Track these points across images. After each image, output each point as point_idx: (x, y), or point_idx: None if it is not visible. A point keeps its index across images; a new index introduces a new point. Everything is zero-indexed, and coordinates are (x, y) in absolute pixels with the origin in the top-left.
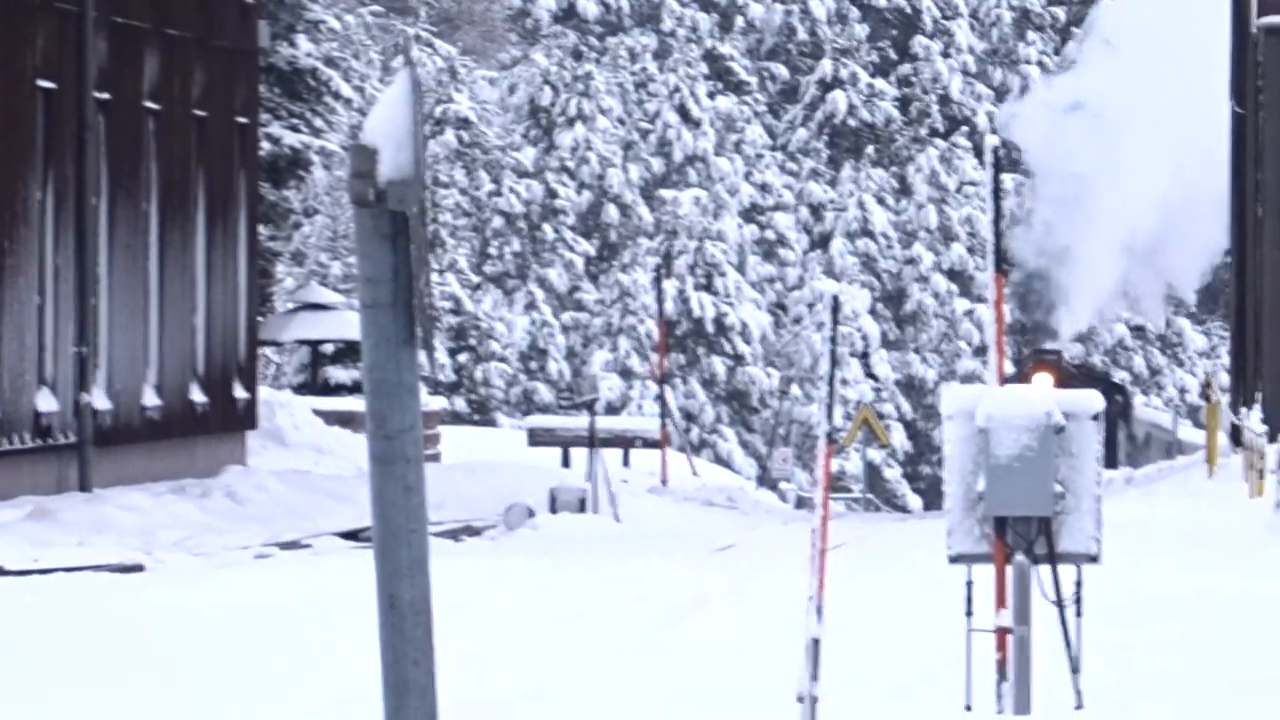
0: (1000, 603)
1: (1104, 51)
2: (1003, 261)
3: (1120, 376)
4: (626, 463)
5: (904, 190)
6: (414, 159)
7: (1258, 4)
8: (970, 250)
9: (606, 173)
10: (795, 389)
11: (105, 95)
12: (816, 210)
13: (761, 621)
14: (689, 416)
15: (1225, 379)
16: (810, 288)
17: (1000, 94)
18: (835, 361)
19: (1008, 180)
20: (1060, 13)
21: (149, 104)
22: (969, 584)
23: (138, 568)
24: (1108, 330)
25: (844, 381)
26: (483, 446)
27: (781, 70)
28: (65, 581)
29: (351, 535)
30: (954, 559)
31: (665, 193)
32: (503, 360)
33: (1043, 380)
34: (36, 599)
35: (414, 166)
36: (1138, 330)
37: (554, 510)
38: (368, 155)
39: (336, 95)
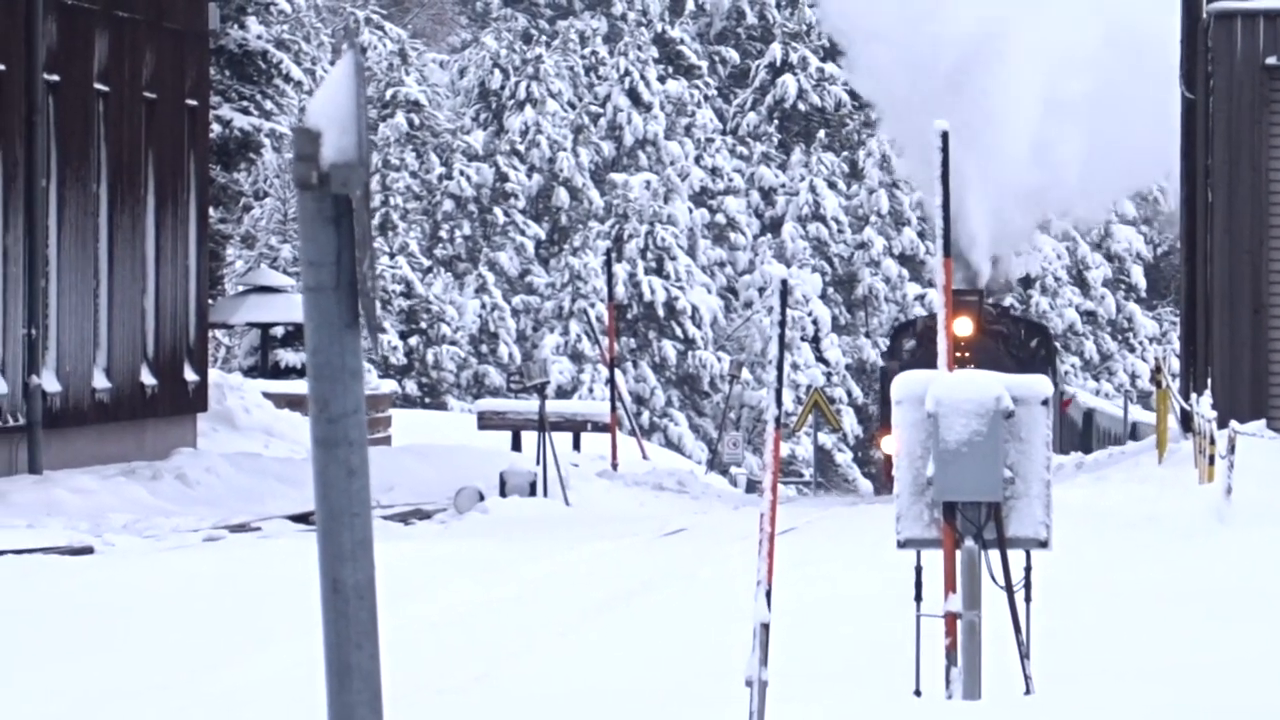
0: (949, 588)
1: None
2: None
3: (1071, 362)
4: (577, 446)
5: (855, 175)
6: (358, 142)
7: None
8: (921, 235)
9: (557, 156)
10: (746, 373)
11: (55, 78)
12: (767, 194)
13: (710, 606)
14: (639, 400)
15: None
16: (761, 272)
17: None
18: (784, 346)
19: None
20: None
21: (99, 86)
22: (918, 569)
23: (87, 550)
24: (1059, 315)
25: (795, 366)
26: (433, 430)
27: (732, 54)
28: (14, 564)
29: (301, 518)
30: (903, 544)
31: (616, 176)
32: (453, 344)
33: (963, 325)
34: None
35: (357, 149)
36: (1089, 315)
37: (504, 494)
38: (311, 138)
39: (287, 78)
